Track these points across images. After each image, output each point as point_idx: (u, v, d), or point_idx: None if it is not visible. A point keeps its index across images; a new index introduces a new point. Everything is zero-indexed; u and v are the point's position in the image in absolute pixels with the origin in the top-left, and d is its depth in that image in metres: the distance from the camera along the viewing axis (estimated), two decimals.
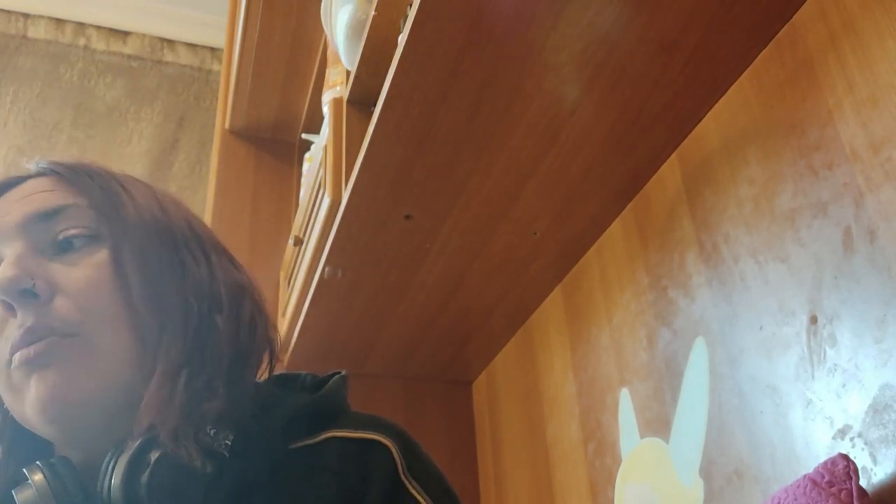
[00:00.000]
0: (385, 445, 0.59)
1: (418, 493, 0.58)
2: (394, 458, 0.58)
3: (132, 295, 0.58)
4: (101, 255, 0.60)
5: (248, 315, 0.63)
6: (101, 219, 0.61)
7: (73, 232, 0.60)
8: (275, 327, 0.67)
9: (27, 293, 0.56)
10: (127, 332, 0.58)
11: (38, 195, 0.62)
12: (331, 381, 0.66)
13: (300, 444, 0.60)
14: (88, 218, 0.61)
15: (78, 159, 0.66)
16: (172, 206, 0.66)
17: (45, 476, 0.55)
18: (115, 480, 0.53)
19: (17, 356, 0.56)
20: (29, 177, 0.65)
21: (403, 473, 0.58)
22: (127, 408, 0.56)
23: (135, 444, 0.54)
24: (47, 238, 0.60)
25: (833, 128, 0.67)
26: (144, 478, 0.53)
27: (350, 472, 0.57)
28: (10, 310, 0.57)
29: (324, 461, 0.58)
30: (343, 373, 0.68)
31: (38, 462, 0.57)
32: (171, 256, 0.61)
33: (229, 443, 0.55)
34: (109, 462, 0.54)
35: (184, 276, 0.61)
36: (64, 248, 0.60)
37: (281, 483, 0.58)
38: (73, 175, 0.63)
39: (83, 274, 0.59)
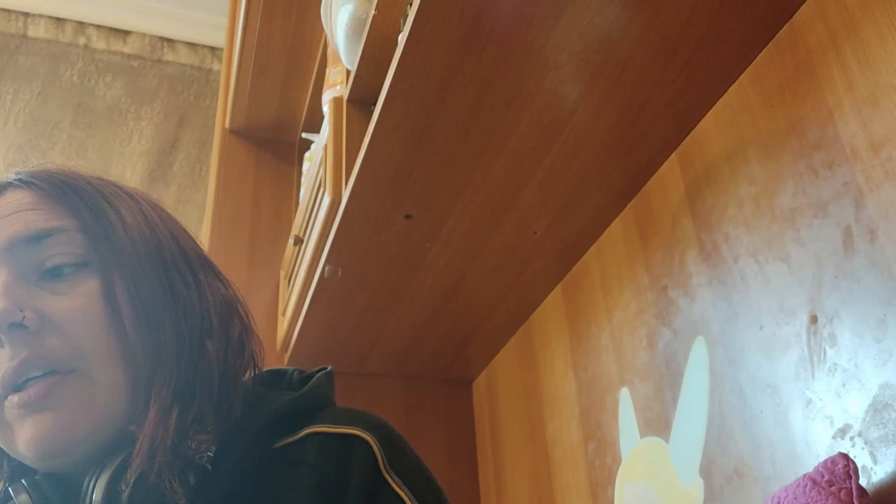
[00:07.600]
0: (365, 440, 0.58)
1: (399, 488, 0.57)
2: (374, 453, 0.58)
3: (124, 326, 0.56)
4: (92, 284, 0.57)
5: (237, 334, 0.62)
6: (90, 245, 0.58)
7: (61, 259, 0.57)
8: (259, 341, 0.65)
9: (16, 326, 0.54)
10: (121, 365, 0.56)
11: (20, 215, 0.58)
12: (314, 378, 0.65)
13: (283, 442, 0.60)
14: (77, 244, 0.58)
15: (59, 169, 0.62)
16: (157, 220, 0.63)
17: (29, 496, 0.55)
18: (97, 496, 0.53)
19: (16, 398, 0.54)
20: (3, 187, 0.61)
21: (384, 467, 0.57)
22: (115, 441, 0.55)
23: (116, 462, 0.54)
24: (33, 263, 0.57)
25: (833, 127, 0.67)
26: (125, 496, 0.52)
27: (330, 467, 0.57)
28: None
29: (304, 457, 0.58)
30: (328, 368, 0.67)
31: (22, 480, 0.56)
32: (161, 282, 0.59)
33: (211, 454, 0.54)
34: (91, 480, 0.54)
35: (175, 303, 0.59)
36: (52, 275, 0.57)
37: (263, 484, 0.57)
38: (57, 192, 0.60)
39: (74, 304, 0.56)
